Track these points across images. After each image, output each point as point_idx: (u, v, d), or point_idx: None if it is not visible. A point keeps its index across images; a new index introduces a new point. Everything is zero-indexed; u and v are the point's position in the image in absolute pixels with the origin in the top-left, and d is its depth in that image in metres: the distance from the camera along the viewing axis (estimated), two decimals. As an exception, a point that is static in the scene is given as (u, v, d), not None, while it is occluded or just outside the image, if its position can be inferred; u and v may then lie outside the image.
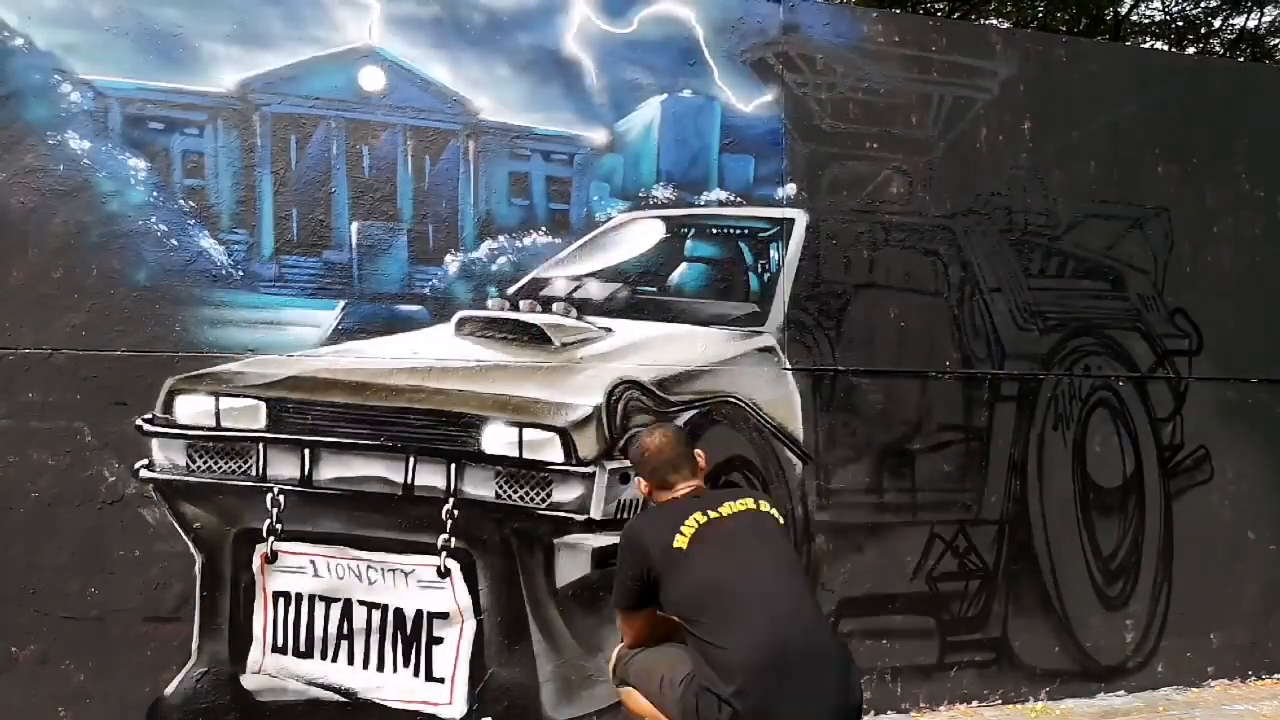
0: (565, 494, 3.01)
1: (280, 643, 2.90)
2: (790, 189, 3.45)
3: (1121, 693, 3.72)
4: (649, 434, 2.63)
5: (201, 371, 2.85)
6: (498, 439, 2.98)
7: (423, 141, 3.09)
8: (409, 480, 2.95)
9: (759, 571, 2.38)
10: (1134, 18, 11.42)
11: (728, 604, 2.32)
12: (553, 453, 3.00)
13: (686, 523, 2.43)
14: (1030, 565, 3.66)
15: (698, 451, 2.62)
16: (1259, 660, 3.94)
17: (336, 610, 2.92)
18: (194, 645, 2.82)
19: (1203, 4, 11.17)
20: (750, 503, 2.52)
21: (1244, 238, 4.04)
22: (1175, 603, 3.83)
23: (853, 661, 2.39)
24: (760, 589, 2.34)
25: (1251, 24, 11.29)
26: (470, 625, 2.99)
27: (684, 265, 3.38)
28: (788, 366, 3.38)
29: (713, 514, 2.46)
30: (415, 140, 3.09)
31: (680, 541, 2.40)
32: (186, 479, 2.84)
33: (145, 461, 2.81)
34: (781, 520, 2.55)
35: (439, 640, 2.98)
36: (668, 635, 2.53)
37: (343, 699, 2.92)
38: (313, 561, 2.91)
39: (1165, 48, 11.30)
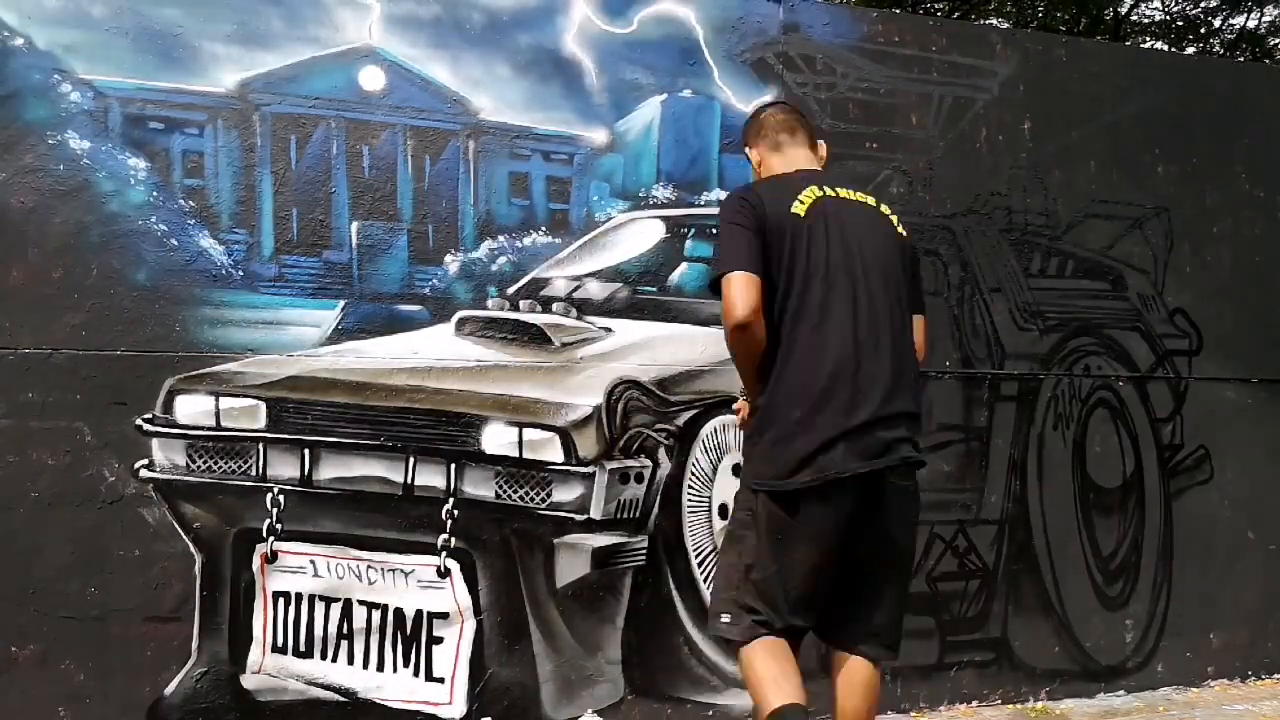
0: (565, 494, 3.01)
1: (280, 643, 2.90)
2: (790, 189, 3.45)
3: (1121, 692, 3.72)
4: (773, 102, 2.59)
5: (201, 371, 2.85)
6: (498, 439, 2.98)
7: (423, 141, 3.09)
8: (409, 480, 2.95)
9: (869, 268, 2.20)
10: (1134, 18, 11.42)
11: (826, 294, 2.15)
12: (553, 453, 3.00)
13: (805, 193, 2.23)
14: (1030, 565, 3.66)
15: (820, 142, 2.48)
16: (1259, 660, 3.94)
17: (336, 610, 2.93)
18: (194, 645, 2.82)
19: (1203, 4, 11.17)
20: (872, 200, 2.33)
21: (1244, 238, 4.04)
22: (1175, 603, 3.83)
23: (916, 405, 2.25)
24: (864, 288, 2.18)
25: (1251, 24, 11.29)
26: (470, 625, 3.00)
27: (684, 265, 3.38)
28: (788, 366, 3.37)
29: (830, 191, 2.26)
30: (415, 140, 3.09)
31: (798, 209, 2.21)
32: (186, 479, 2.84)
33: (145, 461, 2.81)
34: (905, 236, 2.35)
35: (439, 640, 2.98)
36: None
37: (343, 699, 2.92)
38: (313, 561, 2.91)
39: (1165, 48, 11.30)
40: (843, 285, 2.18)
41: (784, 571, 2.17)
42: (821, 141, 2.51)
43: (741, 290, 2.14)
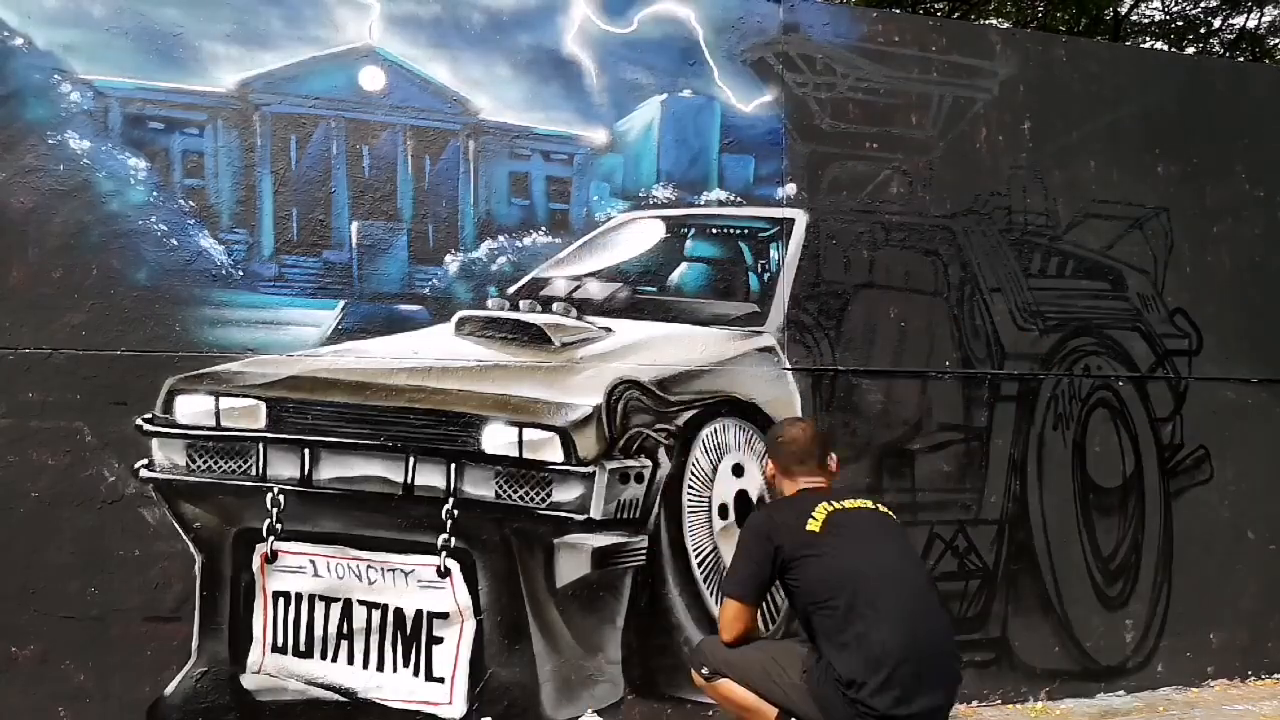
0: (565, 494, 3.01)
1: (280, 642, 2.90)
2: (790, 189, 3.45)
3: (1121, 693, 3.72)
4: (792, 423, 2.84)
5: (201, 371, 2.85)
6: (498, 439, 2.98)
7: (423, 141, 3.09)
8: (409, 480, 2.95)
9: (893, 564, 2.49)
10: (1134, 18, 11.42)
11: (867, 592, 2.40)
12: (553, 453, 3.00)
13: (816, 511, 2.55)
14: (1030, 565, 3.66)
15: (832, 455, 2.76)
16: (1259, 660, 3.94)
17: (336, 610, 2.92)
18: (194, 645, 2.82)
19: (1202, 4, 11.17)
20: (869, 502, 2.66)
21: (1244, 238, 4.04)
22: (1175, 603, 3.83)
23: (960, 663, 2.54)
24: (896, 580, 2.45)
25: (1251, 24, 11.29)
26: (470, 625, 2.99)
27: (684, 265, 3.38)
28: (788, 366, 3.38)
29: (837, 505, 2.58)
30: (415, 140, 3.09)
31: (813, 525, 2.52)
32: (186, 479, 2.84)
33: (145, 461, 2.81)
34: (899, 522, 2.68)
35: (439, 640, 2.98)
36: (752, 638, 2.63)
37: (343, 699, 2.92)
38: (313, 561, 2.91)
39: (1165, 48, 11.30)
40: (879, 582, 2.45)
41: None
42: (833, 455, 2.79)
43: (732, 619, 2.59)
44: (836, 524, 2.53)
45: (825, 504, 2.57)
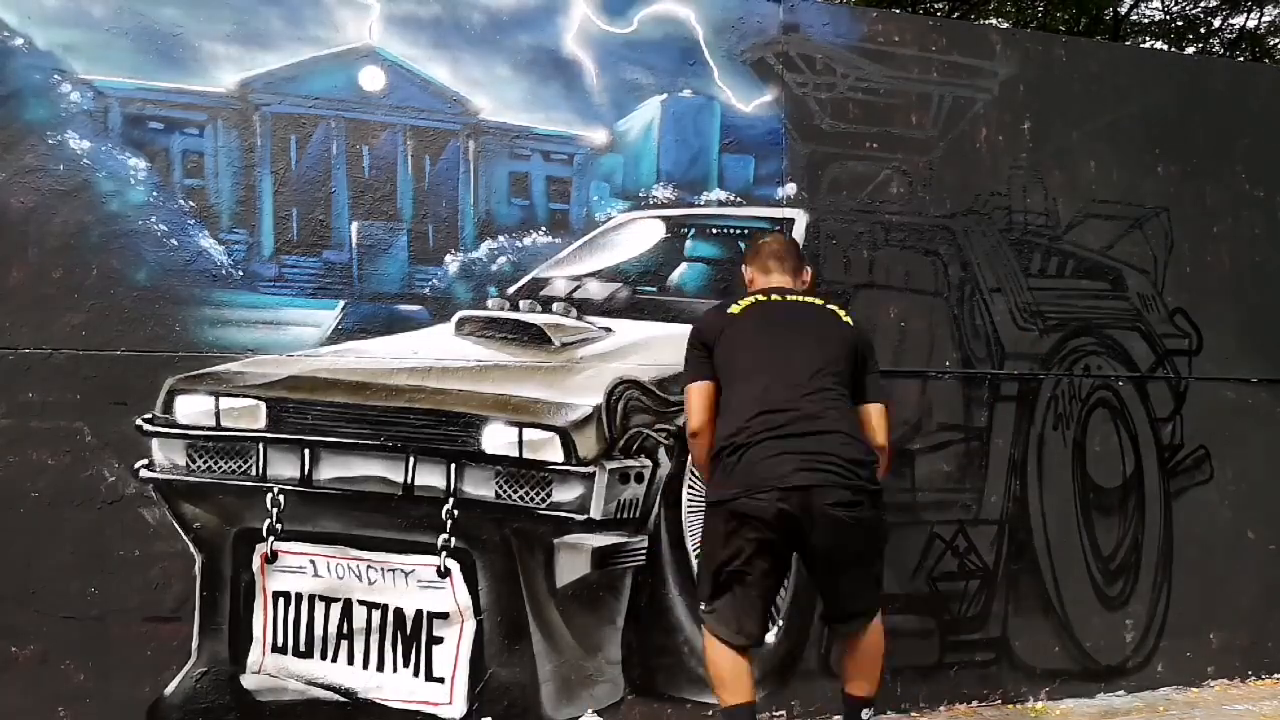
0: (565, 494, 3.01)
1: (280, 643, 2.90)
2: (790, 189, 3.45)
3: (1121, 692, 3.72)
4: (774, 234, 3.00)
5: (201, 371, 2.85)
6: (498, 439, 2.98)
7: (423, 141, 3.09)
8: (409, 480, 2.95)
9: (795, 342, 2.57)
10: (1134, 18, 11.42)
11: (746, 366, 2.53)
12: (553, 453, 3.00)
13: (747, 299, 2.68)
14: (1030, 565, 3.66)
15: (807, 269, 2.91)
16: (1259, 660, 3.94)
17: (336, 610, 2.92)
18: (194, 645, 2.82)
19: (1202, 4, 11.17)
20: (819, 300, 2.72)
21: (1244, 238, 4.04)
22: (1175, 603, 3.83)
23: (863, 454, 2.52)
24: (784, 355, 2.54)
25: (1251, 24, 11.29)
26: (470, 625, 3.00)
27: (684, 265, 3.38)
28: (788, 366, 3.38)
29: (776, 297, 2.68)
30: (415, 140, 3.09)
31: (735, 309, 2.66)
32: (186, 479, 2.84)
33: (145, 461, 2.81)
34: (850, 323, 2.68)
35: (439, 640, 2.98)
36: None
37: (343, 699, 2.92)
38: (313, 561, 2.91)
39: (1165, 48, 11.30)
40: (762, 371, 2.55)
41: None
42: (808, 269, 2.94)
43: (689, 400, 2.67)
44: (759, 309, 2.62)
45: (760, 295, 2.66)
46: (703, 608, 2.61)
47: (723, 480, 2.50)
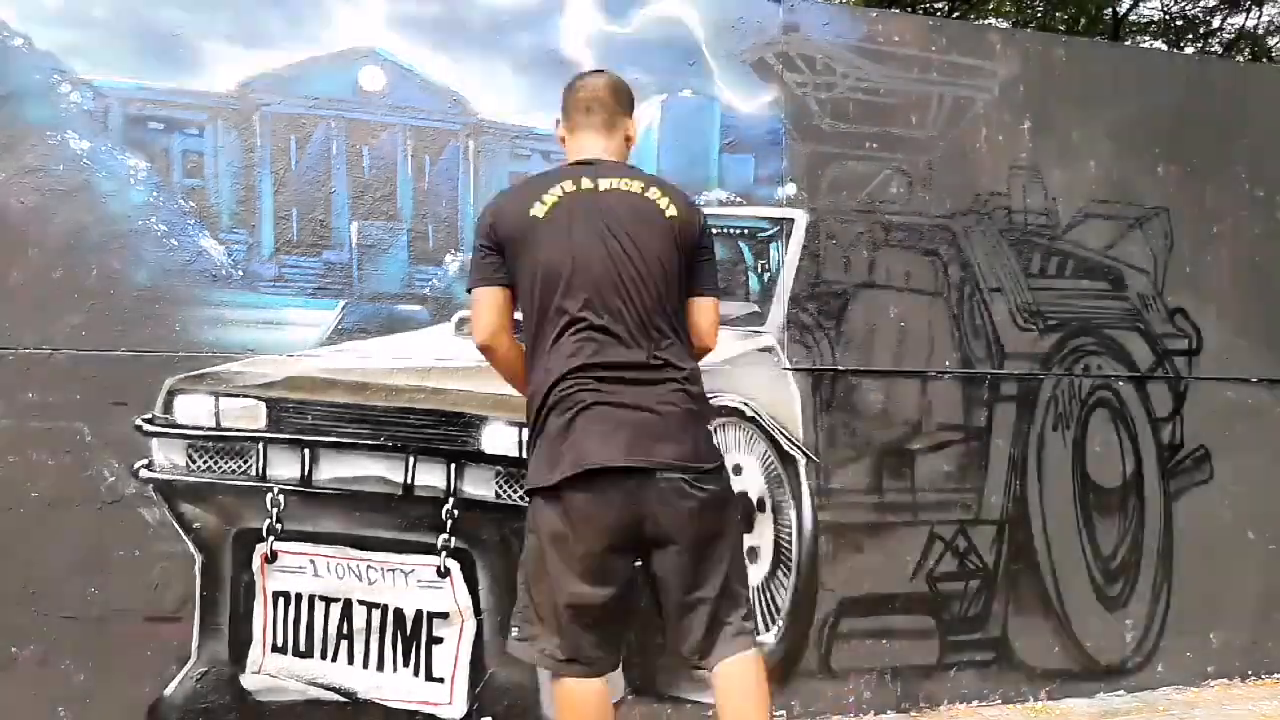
0: (565, 494, 3.00)
1: (280, 643, 2.90)
2: (790, 189, 3.45)
3: (1121, 693, 3.72)
4: (597, 72, 2.38)
5: (201, 371, 2.85)
6: (498, 439, 2.98)
7: (423, 141, 3.09)
8: (409, 480, 2.95)
9: (609, 263, 2.06)
10: (1133, 17, 11.42)
11: (560, 291, 2.06)
12: (553, 453, 2.99)
13: (553, 190, 2.13)
14: (1030, 565, 3.66)
15: (630, 121, 2.33)
16: (1259, 660, 3.94)
17: (336, 610, 2.92)
18: (194, 645, 2.82)
19: (1201, 3, 11.18)
20: (638, 185, 2.17)
21: (1244, 238, 4.04)
22: (1175, 603, 3.83)
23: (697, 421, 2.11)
24: (598, 285, 2.06)
25: (1250, 23, 11.29)
26: (470, 625, 3.00)
27: (684, 265, 3.38)
28: (788, 366, 3.38)
29: (587, 184, 2.13)
30: (415, 140, 3.09)
31: (538, 210, 2.11)
32: (186, 479, 2.84)
33: (145, 461, 2.81)
34: (677, 215, 2.16)
35: (439, 640, 2.98)
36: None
37: (343, 699, 2.92)
38: (312, 561, 2.91)
39: (1164, 47, 11.30)
40: (577, 287, 2.09)
41: None
42: (629, 119, 2.33)
43: (474, 311, 2.22)
44: (568, 209, 2.09)
45: (569, 182, 2.12)
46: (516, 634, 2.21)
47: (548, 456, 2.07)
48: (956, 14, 11.28)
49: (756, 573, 3.29)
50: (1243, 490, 3.96)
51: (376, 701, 2.94)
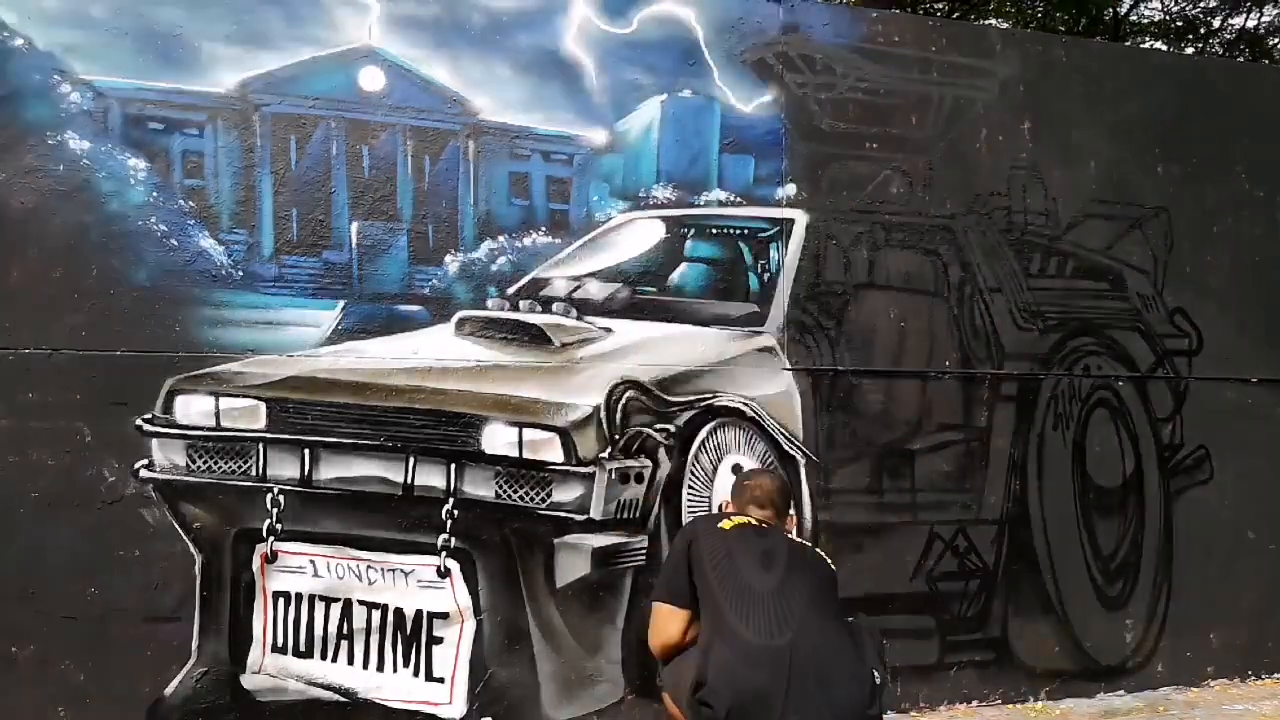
0: (565, 494, 3.01)
1: (280, 643, 2.90)
2: (790, 189, 3.45)
3: (1121, 692, 3.72)
4: (762, 471, 2.79)
5: (201, 371, 2.85)
6: (498, 439, 2.98)
7: (423, 141, 3.09)
8: (409, 480, 2.95)
9: (782, 584, 2.33)
10: (1133, 18, 11.42)
11: (741, 604, 2.28)
12: (553, 453, 3.00)
13: (738, 518, 2.51)
14: (1030, 565, 3.66)
15: (792, 515, 2.69)
16: (1259, 660, 3.94)
17: (336, 610, 2.92)
18: (194, 645, 2.82)
19: (1201, 4, 11.17)
20: (805, 544, 2.58)
21: (1244, 238, 4.04)
22: (1175, 602, 3.83)
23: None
24: (775, 596, 2.29)
25: (1250, 24, 11.28)
26: (470, 625, 2.99)
27: (684, 265, 3.38)
28: (788, 366, 3.38)
29: (764, 525, 2.50)
30: (415, 140, 3.09)
31: (726, 524, 2.47)
32: (186, 479, 2.84)
33: (145, 461, 2.81)
34: (832, 571, 2.49)
35: (439, 640, 2.98)
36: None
37: (343, 699, 2.92)
38: (313, 561, 2.91)
39: (1164, 48, 11.30)
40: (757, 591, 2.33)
41: None
42: (793, 516, 2.72)
43: (655, 623, 2.44)
44: (749, 531, 2.43)
45: (751, 519, 2.50)
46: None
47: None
48: (956, 14, 11.27)
49: (756, 573, 3.29)
50: (1243, 490, 3.96)
51: (376, 701, 2.94)
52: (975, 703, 3.54)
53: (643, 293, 3.31)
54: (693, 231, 3.40)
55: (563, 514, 3.00)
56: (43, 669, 2.70)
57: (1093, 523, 3.76)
